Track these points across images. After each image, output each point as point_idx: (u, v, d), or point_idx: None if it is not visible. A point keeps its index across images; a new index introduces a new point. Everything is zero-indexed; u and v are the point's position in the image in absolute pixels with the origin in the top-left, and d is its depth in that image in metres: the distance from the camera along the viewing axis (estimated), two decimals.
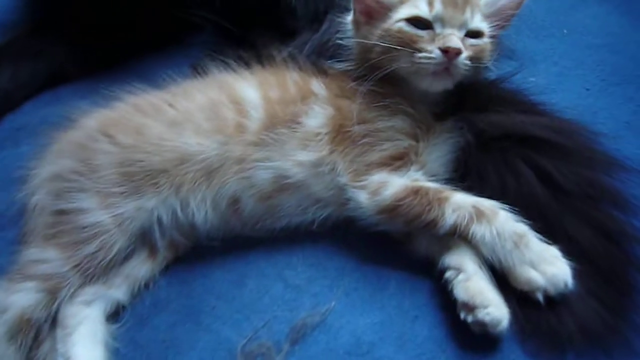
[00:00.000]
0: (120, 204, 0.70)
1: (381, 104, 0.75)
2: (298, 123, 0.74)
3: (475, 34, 0.74)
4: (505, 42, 1.00)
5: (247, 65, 0.85)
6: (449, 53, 0.69)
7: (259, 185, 0.72)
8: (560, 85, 0.93)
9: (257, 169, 0.72)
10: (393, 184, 0.70)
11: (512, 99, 0.78)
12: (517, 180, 0.72)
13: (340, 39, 0.82)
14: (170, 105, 0.77)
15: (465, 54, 0.71)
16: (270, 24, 0.97)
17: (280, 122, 0.74)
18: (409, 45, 0.72)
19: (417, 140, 0.75)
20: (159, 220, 0.72)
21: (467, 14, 0.72)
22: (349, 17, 0.81)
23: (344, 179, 0.72)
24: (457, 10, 0.71)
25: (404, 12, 0.73)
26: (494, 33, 0.77)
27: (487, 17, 0.75)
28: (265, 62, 0.84)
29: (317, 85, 0.79)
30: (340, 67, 0.81)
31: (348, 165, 0.72)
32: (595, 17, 1.08)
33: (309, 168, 0.73)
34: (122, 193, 0.71)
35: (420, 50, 0.71)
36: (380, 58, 0.74)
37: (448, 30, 0.71)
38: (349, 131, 0.74)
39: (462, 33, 0.72)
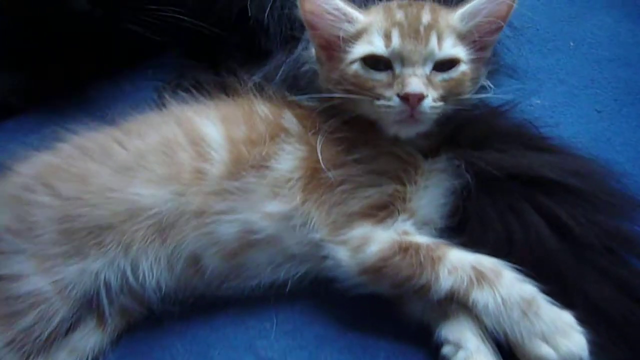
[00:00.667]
0: (60, 267, 0.61)
1: (359, 143, 0.66)
2: (266, 167, 0.64)
3: (446, 64, 0.62)
4: (504, 58, 0.90)
5: (210, 93, 0.75)
6: (409, 100, 0.59)
7: (222, 241, 0.62)
8: (569, 108, 0.83)
9: (219, 223, 0.62)
10: (378, 239, 0.60)
11: (517, 131, 0.67)
12: (525, 229, 0.62)
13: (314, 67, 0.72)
14: (121, 145, 0.67)
15: (431, 96, 0.60)
16: (240, 44, 0.86)
17: (247, 166, 0.63)
18: (367, 91, 0.62)
19: (404, 184, 0.64)
20: (107, 285, 0.62)
21: (433, 43, 0.61)
22: (313, 50, 0.70)
23: (319, 234, 0.62)
24: (419, 41, 0.61)
25: (359, 50, 0.63)
26: (477, 55, 0.64)
27: (465, 36, 0.64)
28: (231, 91, 0.74)
29: (289, 120, 0.68)
30: (313, 101, 0.70)
31: (324, 216, 0.62)
32: (603, 26, 0.98)
33: (279, 221, 0.62)
34: (63, 254, 0.62)
35: (378, 97, 0.61)
36: (342, 102, 0.64)
37: (408, 70, 0.60)
38: (324, 176, 0.64)
39: (428, 68, 0.61)
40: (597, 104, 0.84)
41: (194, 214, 0.62)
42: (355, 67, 0.62)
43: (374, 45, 0.62)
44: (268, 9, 0.83)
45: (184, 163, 0.63)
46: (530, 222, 0.62)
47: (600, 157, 0.67)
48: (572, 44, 0.94)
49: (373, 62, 0.62)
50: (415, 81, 0.59)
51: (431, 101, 0.60)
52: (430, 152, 0.68)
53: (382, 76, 0.62)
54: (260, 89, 0.74)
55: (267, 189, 0.63)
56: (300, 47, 0.82)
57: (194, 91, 0.79)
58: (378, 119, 0.64)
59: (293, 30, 0.83)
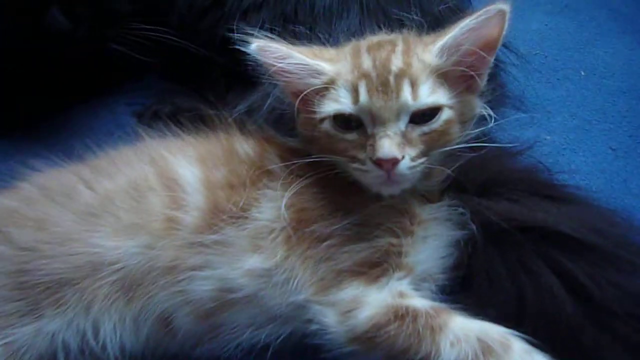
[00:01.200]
0: (13, 327, 0.55)
1: (347, 191, 0.59)
2: (246, 217, 0.57)
3: (425, 114, 0.54)
4: (511, 89, 0.84)
5: (189, 124, 0.68)
6: (383, 165, 0.53)
7: (196, 301, 0.55)
8: (581, 145, 0.77)
9: (193, 280, 0.55)
10: (370, 303, 0.53)
11: (529, 177, 0.61)
12: (537, 290, 0.55)
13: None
14: (87, 185, 0.60)
15: (408, 156, 0.53)
16: (226, 68, 0.80)
17: (225, 215, 0.56)
18: (340, 153, 0.56)
19: (399, 236, 0.57)
20: (65, 347, 0.55)
21: (405, 94, 0.53)
22: None
23: (304, 293, 0.55)
24: (389, 94, 0.53)
25: (327, 107, 0.56)
26: (465, 92, 0.57)
27: (447, 73, 0.55)
28: (212, 122, 0.67)
29: (273, 161, 0.61)
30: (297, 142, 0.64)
31: (310, 274, 0.55)
32: (616, 54, 0.92)
33: (260, 278, 0.55)
34: (16, 313, 0.55)
35: (352, 160, 0.55)
36: (321, 157, 0.58)
37: (379, 130, 0.53)
38: (310, 228, 0.57)
39: (402, 123, 0.54)
40: (611, 140, 0.78)
41: (164, 269, 0.55)
42: (326, 126, 0.56)
43: (341, 102, 0.55)
44: (256, 30, 0.78)
45: (154, 210, 0.56)
46: (544, 282, 0.55)
47: (616, 202, 0.61)
48: (582, 73, 0.88)
49: (343, 120, 0.55)
50: (387, 144, 0.52)
51: (409, 162, 0.53)
52: (430, 197, 0.61)
53: (353, 136, 0.55)
54: (242, 123, 0.69)
55: (247, 242, 0.56)
56: None
57: (172, 120, 0.74)
58: (357, 179, 0.57)
59: None
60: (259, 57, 0.59)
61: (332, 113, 0.55)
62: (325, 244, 0.56)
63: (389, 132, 0.53)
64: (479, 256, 0.58)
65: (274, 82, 0.62)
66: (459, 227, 0.59)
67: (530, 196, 0.58)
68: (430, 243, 0.58)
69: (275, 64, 0.58)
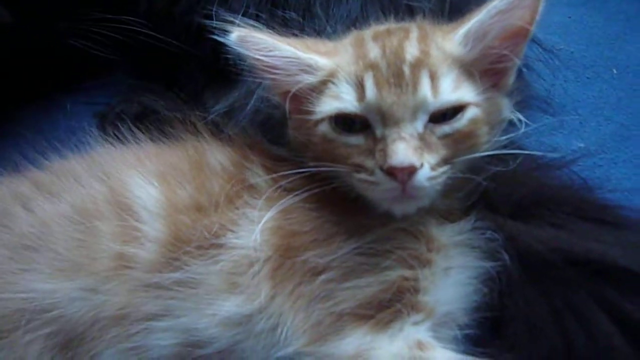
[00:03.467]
0: None
1: (348, 211, 0.47)
2: (220, 246, 0.45)
3: (447, 113, 0.44)
4: (536, 88, 0.73)
5: (155, 128, 0.56)
6: (397, 176, 0.42)
7: (154, 359, 0.43)
8: (619, 154, 0.65)
9: (150, 332, 0.43)
10: (379, 357, 0.42)
11: (574, 197, 0.50)
12: (590, 339, 0.44)
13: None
14: (26, 207, 0.48)
15: (428, 163, 0.42)
16: (203, 62, 0.67)
17: (191, 246, 0.44)
18: (341, 161, 0.45)
19: (413, 267, 0.45)
20: None
21: (424, 87, 0.44)
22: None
23: (295, 344, 0.43)
24: (404, 88, 0.44)
25: (325, 106, 0.46)
26: (492, 88, 0.47)
27: (471, 65, 0.46)
28: (180, 129, 0.55)
29: (256, 173, 0.50)
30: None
31: (302, 318, 0.44)
32: None
33: (238, 326, 0.44)
34: None
35: (357, 169, 0.44)
36: (317, 167, 0.46)
37: (392, 132, 0.43)
38: (301, 258, 0.45)
39: (420, 123, 0.44)
40: None
41: (112, 319, 0.43)
42: (323, 128, 0.45)
43: (342, 99, 0.45)
44: (239, 18, 0.66)
45: (101, 243, 0.44)
46: (599, 329, 0.44)
47: None
48: (614, 71, 0.77)
49: (345, 122, 0.45)
50: (402, 148, 0.42)
51: (428, 171, 0.42)
52: (452, 216, 0.49)
53: (358, 140, 0.45)
54: (219, 127, 0.56)
55: (221, 280, 0.44)
56: None
57: (138, 123, 0.62)
58: (362, 194, 0.46)
59: None
60: (240, 50, 0.48)
61: (332, 113, 0.44)
62: (321, 278, 0.44)
63: (403, 134, 0.42)
64: (515, 295, 0.47)
65: (258, 79, 0.51)
66: (488, 257, 0.47)
67: (579, 220, 0.47)
68: (454, 277, 0.47)
69: (260, 57, 0.47)
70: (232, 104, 0.62)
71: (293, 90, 0.47)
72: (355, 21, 0.65)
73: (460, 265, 0.48)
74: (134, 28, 0.67)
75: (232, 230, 0.46)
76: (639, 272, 0.44)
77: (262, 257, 0.45)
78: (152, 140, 0.56)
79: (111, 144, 0.56)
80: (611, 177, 0.62)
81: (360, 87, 0.44)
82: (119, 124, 0.68)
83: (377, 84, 0.44)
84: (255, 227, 0.46)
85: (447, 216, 0.49)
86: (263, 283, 0.44)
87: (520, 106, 0.64)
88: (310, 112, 0.46)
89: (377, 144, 0.43)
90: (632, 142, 0.68)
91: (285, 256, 0.45)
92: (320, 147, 0.46)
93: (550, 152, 0.58)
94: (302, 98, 0.47)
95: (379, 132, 0.44)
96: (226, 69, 0.67)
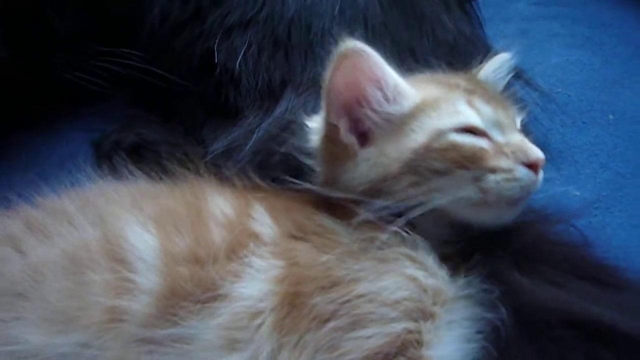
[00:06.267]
0: None
1: (359, 253, 0.46)
2: (220, 298, 0.43)
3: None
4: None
5: (153, 166, 0.55)
6: (537, 167, 0.47)
7: None
8: (616, 204, 0.65)
9: None
10: None
11: (575, 254, 0.49)
12: None
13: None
14: (18, 249, 0.46)
15: None
16: (203, 97, 0.67)
17: (187, 300, 0.43)
18: (473, 165, 0.47)
19: (416, 320, 0.44)
20: None
21: (511, 106, 0.53)
22: (314, 126, 0.52)
23: None
24: (504, 107, 0.51)
25: (446, 121, 0.48)
26: None
27: None
28: (178, 167, 0.54)
29: (262, 220, 0.48)
30: (307, 184, 0.51)
31: None
32: None
33: None
34: None
35: (493, 170, 0.46)
36: (407, 192, 0.47)
37: (514, 135, 0.49)
38: (309, 304, 0.43)
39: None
40: None
41: None
42: (453, 137, 0.47)
43: (465, 114, 0.49)
44: (241, 55, 0.65)
45: (93, 294, 0.42)
46: None
47: None
48: (611, 116, 0.77)
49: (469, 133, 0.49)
50: (532, 144, 0.48)
51: None
52: (457, 267, 0.48)
53: (487, 144, 0.48)
54: (219, 168, 0.56)
55: (219, 335, 0.42)
56: (280, 108, 0.63)
57: (134, 155, 0.62)
58: (474, 204, 0.47)
59: (272, 84, 0.65)
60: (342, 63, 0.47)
61: (461, 125, 0.47)
62: (329, 326, 0.43)
63: (521, 137, 0.49)
64: (511, 351, 0.45)
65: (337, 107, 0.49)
66: (487, 309, 0.46)
67: (578, 280, 0.47)
68: (457, 330, 0.46)
69: (365, 79, 0.48)
70: (231, 143, 0.61)
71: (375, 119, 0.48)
72: None
73: (463, 319, 0.47)
74: (133, 63, 0.66)
75: (234, 281, 0.44)
76: (636, 338, 0.45)
77: (268, 307, 0.43)
78: (148, 175, 0.55)
79: (106, 179, 0.55)
80: (606, 226, 0.62)
81: (472, 105, 0.49)
82: (114, 155, 0.69)
83: (486, 102, 0.49)
84: (261, 276, 0.45)
85: (453, 266, 0.48)
86: (267, 336, 0.42)
87: None
88: (407, 130, 0.48)
89: (503, 147, 0.47)
90: (628, 190, 0.68)
91: (292, 304, 0.43)
92: (449, 156, 0.46)
93: (549, 202, 0.58)
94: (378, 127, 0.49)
95: (499, 138, 0.48)
96: (226, 106, 0.68)
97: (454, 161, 0.46)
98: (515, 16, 0.95)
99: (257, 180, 0.54)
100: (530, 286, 0.46)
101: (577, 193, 0.66)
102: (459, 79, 0.53)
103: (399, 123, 0.49)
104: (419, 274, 0.46)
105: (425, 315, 0.45)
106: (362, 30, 0.67)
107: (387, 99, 0.49)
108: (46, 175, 0.56)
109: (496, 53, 0.74)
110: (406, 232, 0.48)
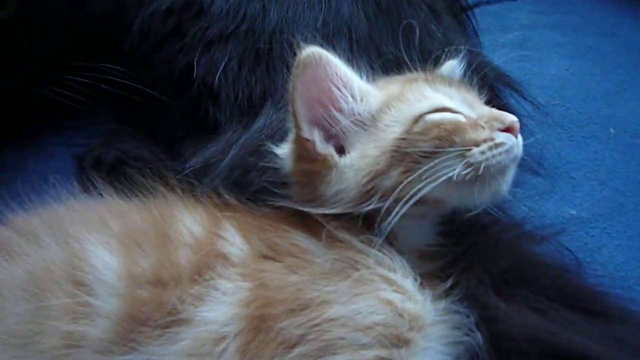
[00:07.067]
0: None
1: (331, 272, 0.44)
2: (182, 322, 0.41)
3: None
4: (527, 147, 0.70)
5: (131, 182, 0.53)
6: (514, 130, 0.48)
7: None
8: (615, 223, 0.62)
9: None
10: None
11: (560, 279, 0.46)
12: None
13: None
14: None
15: None
16: (182, 113, 0.65)
17: (148, 324, 0.41)
18: (457, 138, 0.46)
19: (388, 347, 0.42)
20: None
21: (473, 90, 0.54)
22: (283, 152, 0.51)
23: None
24: (465, 88, 0.53)
25: (418, 106, 0.48)
26: None
27: None
28: (153, 184, 0.52)
29: (232, 240, 0.46)
30: (285, 201, 0.50)
31: None
32: None
33: None
34: None
35: (476, 144, 0.46)
36: (399, 184, 0.45)
37: (483, 109, 0.50)
38: (278, 327, 0.41)
39: None
40: None
41: None
42: (430, 117, 0.47)
43: (433, 98, 0.49)
44: (220, 69, 0.64)
45: (51, 318, 0.41)
46: None
47: None
48: (612, 130, 0.74)
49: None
50: (503, 112, 0.49)
51: None
52: (435, 288, 0.46)
53: (462, 118, 0.48)
54: (194, 185, 0.54)
55: None
56: (258, 123, 0.61)
57: (114, 171, 0.61)
58: (463, 182, 0.45)
59: (253, 99, 0.63)
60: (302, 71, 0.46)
61: (436, 107, 0.48)
62: (295, 352, 0.41)
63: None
64: None
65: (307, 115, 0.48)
66: (462, 334, 0.44)
67: (562, 308, 0.43)
68: (432, 357, 0.43)
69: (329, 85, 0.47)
70: (209, 159, 0.59)
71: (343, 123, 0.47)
72: None
73: (439, 344, 0.44)
74: (115, 79, 0.66)
75: (197, 305, 0.42)
76: None
77: (232, 332, 0.41)
78: (124, 192, 0.54)
79: (79, 196, 0.54)
80: (603, 248, 0.59)
81: (436, 89, 0.50)
82: (96, 170, 0.68)
83: (449, 86, 0.50)
84: (226, 299, 0.43)
85: (433, 287, 0.46)
86: None
87: None
88: (384, 126, 0.48)
89: (477, 121, 0.47)
90: (628, 209, 0.64)
91: (258, 328, 0.41)
92: (433, 134, 0.46)
93: (538, 219, 0.56)
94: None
95: (472, 113, 0.48)
96: (206, 121, 0.67)
97: (439, 138, 0.46)
98: (514, 25, 0.92)
99: (231, 198, 0.53)
100: (509, 312, 0.43)
101: (573, 212, 0.62)
102: (415, 75, 0.53)
103: (371, 122, 0.48)
104: (396, 297, 0.44)
105: (400, 341, 0.43)
106: (347, 42, 0.66)
107: (354, 100, 0.48)
108: (29, 190, 0.55)
109: (490, 64, 0.72)
110: (384, 253, 0.47)
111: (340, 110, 0.47)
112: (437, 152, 0.45)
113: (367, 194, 0.46)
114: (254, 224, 0.49)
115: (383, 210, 0.45)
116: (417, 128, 0.47)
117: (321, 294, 0.43)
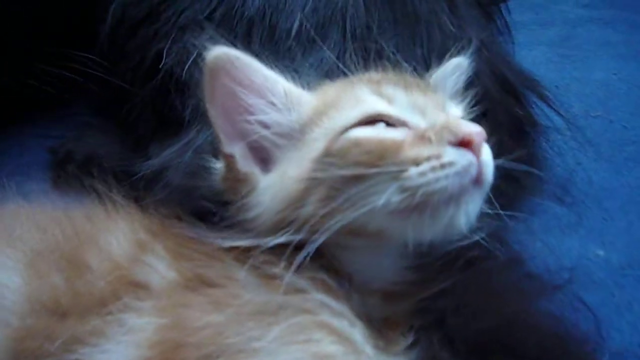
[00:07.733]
0: None
1: (273, 310, 0.36)
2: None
3: None
4: (553, 170, 0.58)
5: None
6: (474, 143, 0.37)
7: None
8: None
9: None
10: None
11: (555, 348, 0.35)
12: None
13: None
14: None
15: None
16: (152, 107, 0.59)
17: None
18: (383, 161, 0.37)
19: None
20: None
21: (440, 95, 0.43)
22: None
23: None
24: (424, 91, 0.42)
25: (347, 115, 0.40)
26: None
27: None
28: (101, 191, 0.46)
29: (156, 264, 0.39)
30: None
31: None
32: None
33: None
34: None
35: (415, 162, 0.37)
36: (318, 213, 0.37)
37: (439, 116, 0.40)
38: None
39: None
40: None
41: None
42: (354, 133, 0.38)
43: (371, 104, 0.40)
44: (190, 61, 0.57)
45: None
46: None
47: None
48: None
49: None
50: (464, 121, 0.40)
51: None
52: (391, 342, 0.38)
53: (401, 134, 0.39)
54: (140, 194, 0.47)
55: None
56: None
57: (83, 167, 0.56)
58: (400, 212, 0.36)
59: None
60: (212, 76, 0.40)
61: (364, 116, 0.39)
62: None
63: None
64: None
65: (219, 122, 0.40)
66: None
67: None
68: None
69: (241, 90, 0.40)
70: (165, 162, 0.53)
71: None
72: (330, 71, 0.55)
73: None
74: (89, 70, 0.61)
75: (95, 344, 0.35)
76: None
77: None
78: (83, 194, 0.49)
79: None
80: (635, 303, 0.47)
81: (379, 93, 0.40)
82: (67, 165, 0.64)
83: (400, 88, 0.41)
84: (130, 338, 0.36)
85: (393, 336, 0.38)
86: None
87: (526, 190, 0.52)
88: (307, 140, 0.40)
89: (424, 133, 0.38)
90: None
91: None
92: (353, 158, 0.37)
93: (554, 259, 0.45)
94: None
95: (421, 123, 0.39)
96: (172, 117, 0.60)
97: (359, 162, 0.37)
98: (558, 20, 0.78)
99: (176, 212, 0.46)
100: None
101: (601, 252, 0.50)
102: (365, 75, 0.44)
103: (300, 135, 0.40)
104: (335, 349, 0.35)
105: None
106: (339, 34, 0.57)
107: (275, 109, 0.40)
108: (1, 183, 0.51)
109: (512, 63, 0.61)
110: (332, 294, 0.38)
111: (259, 122, 0.39)
112: (360, 177, 0.36)
113: (279, 223, 0.38)
114: (188, 246, 0.41)
115: (292, 245, 0.37)
116: (337, 146, 0.38)
117: (242, 340, 0.35)
